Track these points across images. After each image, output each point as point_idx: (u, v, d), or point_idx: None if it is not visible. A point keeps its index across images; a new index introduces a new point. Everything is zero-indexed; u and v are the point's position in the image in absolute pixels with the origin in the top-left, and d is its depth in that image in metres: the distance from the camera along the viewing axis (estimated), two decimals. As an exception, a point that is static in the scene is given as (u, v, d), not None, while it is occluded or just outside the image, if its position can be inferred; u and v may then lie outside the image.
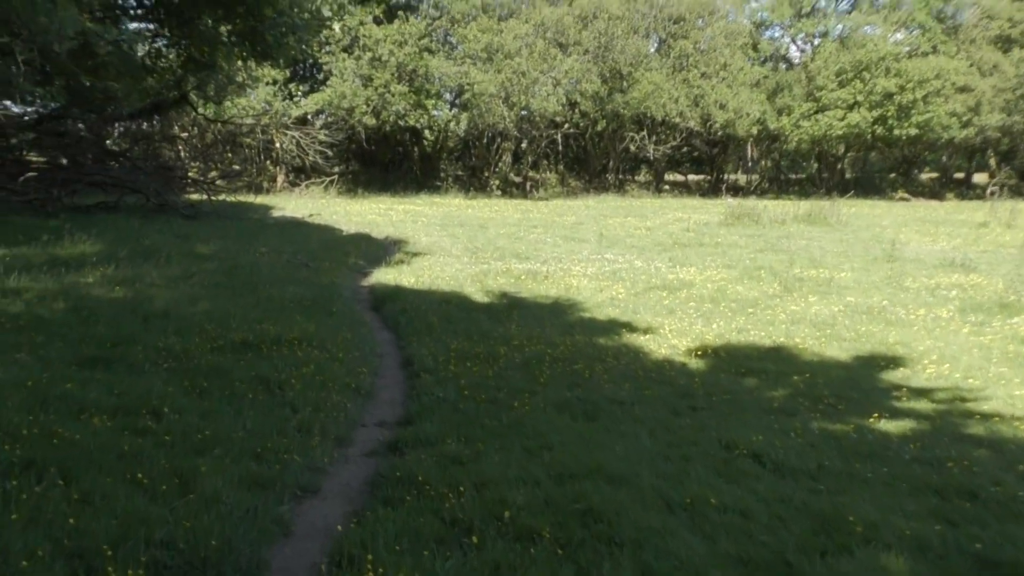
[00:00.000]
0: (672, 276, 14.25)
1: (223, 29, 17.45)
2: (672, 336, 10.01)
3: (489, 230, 22.37)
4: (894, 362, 8.91)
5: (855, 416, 7.03)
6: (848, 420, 6.90)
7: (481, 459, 5.86)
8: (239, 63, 22.13)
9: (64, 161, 24.85)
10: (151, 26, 19.37)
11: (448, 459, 5.87)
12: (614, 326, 10.55)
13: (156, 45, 19.56)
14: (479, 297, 12.27)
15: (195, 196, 27.18)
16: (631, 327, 10.47)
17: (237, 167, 40.98)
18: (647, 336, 10.00)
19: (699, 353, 9.17)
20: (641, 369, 8.51)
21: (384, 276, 14.06)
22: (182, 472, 5.40)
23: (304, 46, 18.28)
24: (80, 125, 23.48)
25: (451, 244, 18.89)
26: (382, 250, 18.08)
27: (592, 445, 6.19)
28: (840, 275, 14.58)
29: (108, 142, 24.38)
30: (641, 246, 19.23)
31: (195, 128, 36.23)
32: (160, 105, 23.14)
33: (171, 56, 19.85)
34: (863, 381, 8.24)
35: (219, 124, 32.36)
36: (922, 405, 7.44)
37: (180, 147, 34.00)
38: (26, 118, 23.17)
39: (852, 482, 5.56)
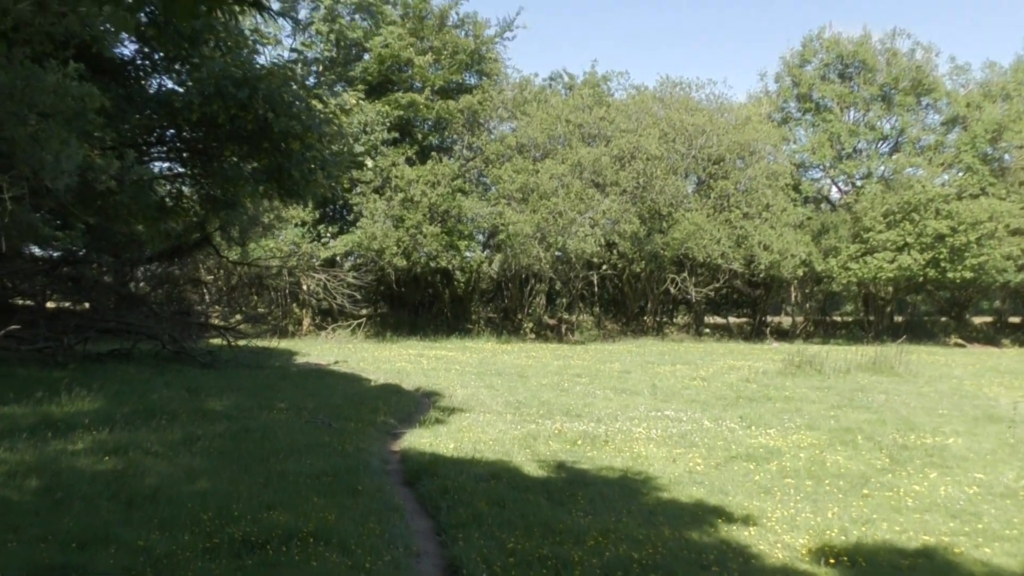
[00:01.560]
0: (753, 441, 12.23)
1: (247, 167, 16.22)
2: (781, 529, 7.96)
3: (530, 380, 20.52)
4: (1091, 576, 6.81)
5: None
6: None
7: None
8: (265, 203, 20.95)
9: (83, 306, 23.56)
10: (172, 166, 18.23)
11: None
12: (704, 513, 8.52)
13: (177, 185, 18.36)
14: (532, 469, 10.31)
15: (218, 340, 25.71)
16: (726, 515, 8.43)
17: (263, 310, 39.83)
18: (750, 530, 7.95)
19: (828, 559, 7.11)
20: (760, 585, 6.48)
21: (418, 440, 12.16)
22: None
23: (333, 183, 16.99)
24: (103, 269, 22.23)
25: (490, 398, 17.03)
26: (414, 405, 16.23)
27: None
28: (948, 441, 12.48)
29: (131, 285, 23.08)
30: (702, 400, 17.24)
31: (220, 271, 35.20)
32: (181, 248, 21.90)
33: (192, 197, 18.63)
34: (1068, 610, 6.15)
35: (244, 267, 31.18)
36: None
37: (204, 290, 32.85)
38: (41, 263, 21.96)
39: None
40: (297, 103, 14.17)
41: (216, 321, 30.21)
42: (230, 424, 12.52)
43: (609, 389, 18.89)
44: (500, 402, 16.47)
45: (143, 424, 12.32)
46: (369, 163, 27.93)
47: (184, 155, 17.40)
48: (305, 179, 15.42)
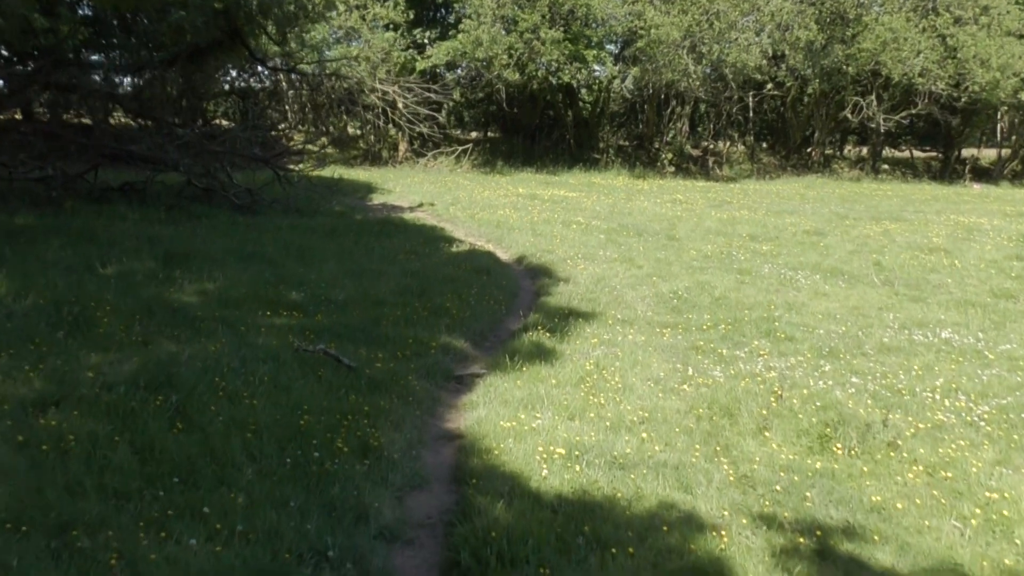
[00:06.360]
0: None
1: None
2: None
3: (685, 246, 14.04)
4: None
5: None
6: None
7: None
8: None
9: (87, 121, 18.11)
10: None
11: None
12: None
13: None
14: (759, 562, 4.11)
15: (302, 165, 20.16)
16: None
17: (355, 131, 34.16)
18: None
19: None
20: None
21: (499, 408, 6.11)
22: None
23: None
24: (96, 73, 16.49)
25: (631, 284, 10.75)
26: (508, 299, 10.03)
27: None
28: None
29: (145, 97, 17.34)
30: (978, 300, 10.49)
31: (304, 87, 29.16)
32: (201, 49, 15.81)
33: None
34: None
35: (293, 75, 25.07)
36: None
37: (264, 105, 27.09)
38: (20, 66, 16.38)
39: None
40: None
41: (294, 146, 24.60)
42: (152, 360, 6.66)
43: (812, 269, 12.27)
44: (648, 295, 10.18)
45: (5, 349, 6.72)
46: None
47: None
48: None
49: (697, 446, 5.57)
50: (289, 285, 9.65)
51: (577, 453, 5.30)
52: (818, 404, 6.20)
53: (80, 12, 16.69)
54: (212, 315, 8.14)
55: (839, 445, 5.54)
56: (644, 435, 5.67)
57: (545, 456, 5.23)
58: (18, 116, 19.02)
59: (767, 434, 5.78)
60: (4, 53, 18.53)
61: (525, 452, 5.31)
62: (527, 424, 5.77)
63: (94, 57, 19.60)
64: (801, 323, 8.97)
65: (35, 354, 6.64)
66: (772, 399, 6.34)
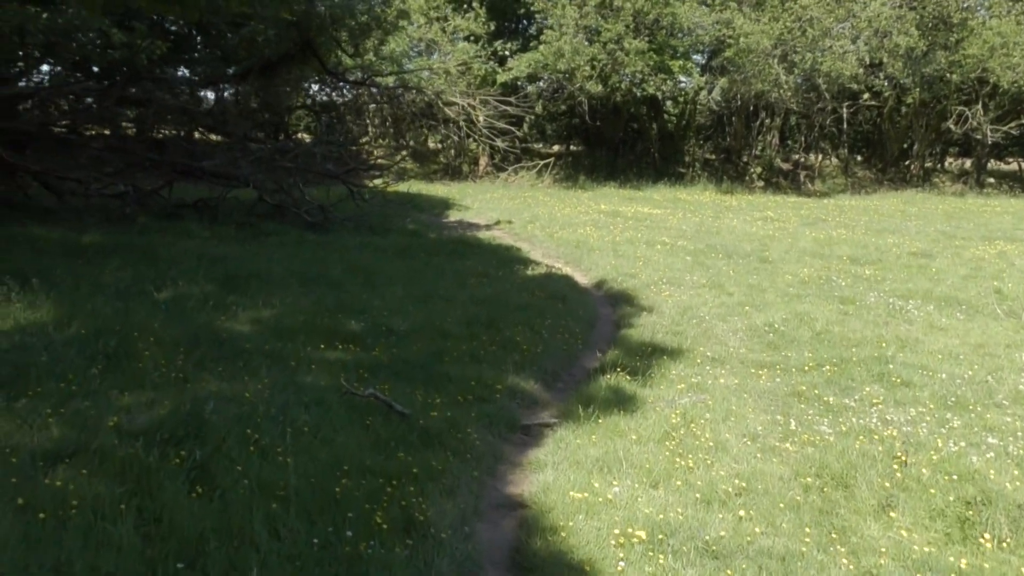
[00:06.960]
0: None
1: None
2: None
3: (779, 270, 12.96)
4: None
5: None
6: None
7: None
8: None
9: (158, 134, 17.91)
10: None
11: None
12: None
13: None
14: None
15: (378, 181, 19.73)
16: None
17: (434, 146, 33.70)
18: None
19: None
20: None
21: (568, 480, 5.22)
22: None
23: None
24: (175, 89, 16.19)
25: (719, 314, 9.76)
26: (585, 332, 9.14)
27: None
28: None
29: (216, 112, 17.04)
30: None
31: (383, 100, 28.75)
32: (273, 62, 15.39)
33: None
34: None
35: (373, 89, 24.55)
36: None
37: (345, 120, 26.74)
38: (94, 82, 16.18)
39: None
40: None
41: (372, 160, 24.25)
42: (193, 397, 6.01)
43: (923, 298, 11.09)
44: (740, 328, 9.19)
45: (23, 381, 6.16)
46: None
47: None
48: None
49: (807, 528, 4.62)
50: (349, 313, 8.95)
51: (661, 537, 4.41)
52: (953, 475, 5.17)
53: (164, 26, 16.46)
54: (262, 348, 7.47)
55: (986, 534, 4.52)
56: (742, 512, 4.75)
57: (622, 540, 4.36)
58: (105, 132, 18.88)
59: (892, 514, 4.79)
60: (95, 69, 18.55)
61: (598, 533, 4.44)
62: (602, 494, 4.90)
63: (180, 72, 19.60)
64: (918, 364, 7.88)
65: (62, 394, 6.03)
66: (895, 466, 5.34)
